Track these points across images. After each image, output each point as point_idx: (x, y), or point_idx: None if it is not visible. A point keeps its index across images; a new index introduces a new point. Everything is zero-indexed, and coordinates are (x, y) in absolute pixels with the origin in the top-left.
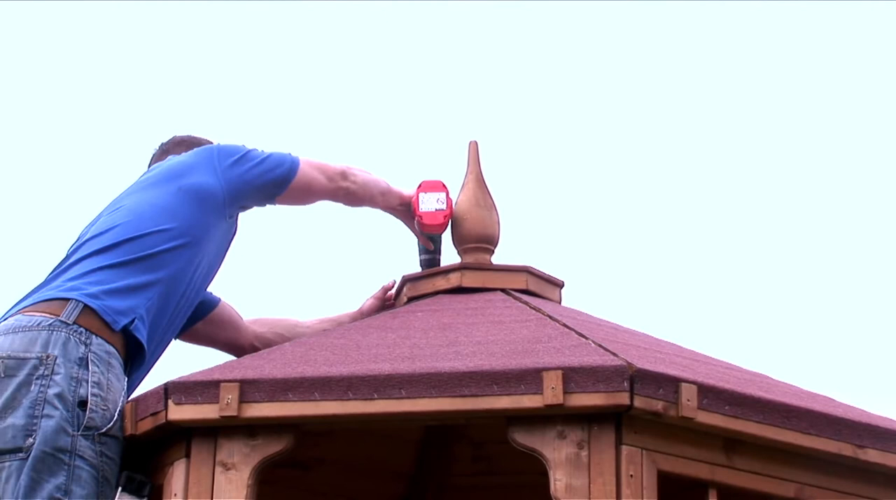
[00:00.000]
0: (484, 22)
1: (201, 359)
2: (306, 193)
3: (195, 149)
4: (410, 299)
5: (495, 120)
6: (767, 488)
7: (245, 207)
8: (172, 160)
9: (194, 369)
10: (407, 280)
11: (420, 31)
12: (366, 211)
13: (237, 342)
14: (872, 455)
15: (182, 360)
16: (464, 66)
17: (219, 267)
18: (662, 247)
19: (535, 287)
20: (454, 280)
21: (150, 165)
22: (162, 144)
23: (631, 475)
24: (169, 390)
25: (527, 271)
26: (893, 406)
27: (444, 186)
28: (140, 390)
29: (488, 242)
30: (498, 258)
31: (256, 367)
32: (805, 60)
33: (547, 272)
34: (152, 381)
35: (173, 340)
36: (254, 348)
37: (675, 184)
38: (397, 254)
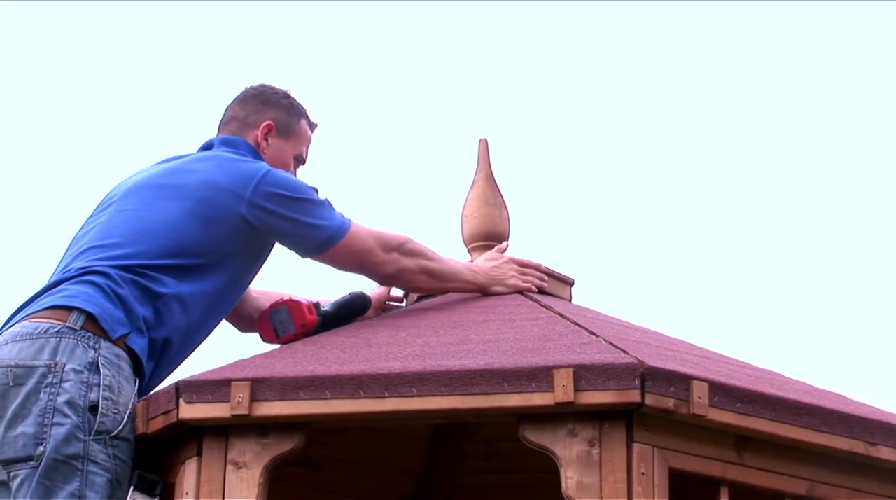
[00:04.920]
0: (493, 22)
1: (212, 358)
2: (349, 264)
3: (237, 165)
4: (420, 298)
5: (507, 117)
6: (779, 485)
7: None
8: (201, 170)
9: (205, 368)
10: None
11: (428, 32)
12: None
13: (238, 311)
14: (885, 453)
15: (193, 359)
16: (475, 64)
17: (246, 282)
18: (673, 245)
19: (555, 290)
20: None
21: (221, 120)
22: (240, 95)
23: (642, 473)
24: (180, 389)
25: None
26: None
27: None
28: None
29: (497, 239)
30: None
31: (267, 366)
32: (807, 60)
33: (557, 270)
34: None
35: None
36: (251, 319)
37: (685, 181)
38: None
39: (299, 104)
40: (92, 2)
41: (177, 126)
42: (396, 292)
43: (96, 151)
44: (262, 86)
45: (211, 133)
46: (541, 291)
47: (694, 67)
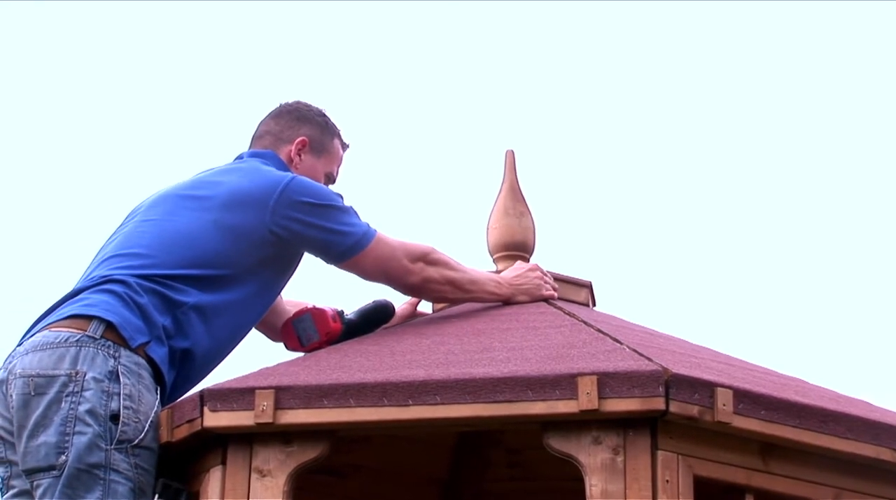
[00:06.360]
0: (525, 35)
1: (236, 366)
2: (375, 273)
3: (262, 175)
4: (443, 306)
5: (542, 128)
6: (804, 493)
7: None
8: (226, 182)
9: (229, 377)
10: None
11: (458, 44)
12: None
13: (269, 321)
14: None
15: (217, 367)
16: (499, 75)
17: (274, 293)
18: (698, 252)
19: (569, 293)
20: None
21: (254, 135)
22: (275, 110)
23: (667, 481)
24: (204, 398)
25: (558, 279)
26: None
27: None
28: None
29: (518, 249)
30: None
31: (291, 374)
32: (811, 61)
33: (580, 277)
34: None
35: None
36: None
37: (707, 190)
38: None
39: (333, 123)
40: (94, 2)
41: (209, 141)
42: (423, 307)
43: (127, 164)
44: (298, 102)
45: (242, 148)
46: (563, 298)
47: (722, 77)
